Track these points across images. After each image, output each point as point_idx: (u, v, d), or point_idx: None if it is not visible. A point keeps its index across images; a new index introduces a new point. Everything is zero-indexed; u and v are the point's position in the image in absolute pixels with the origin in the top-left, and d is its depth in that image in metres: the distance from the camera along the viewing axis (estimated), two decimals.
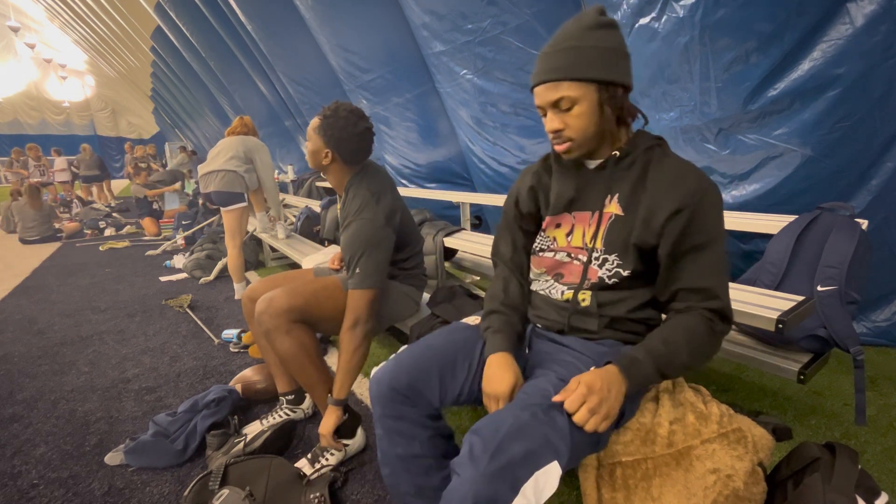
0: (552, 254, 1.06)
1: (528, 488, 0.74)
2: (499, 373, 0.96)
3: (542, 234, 1.09)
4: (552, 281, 1.06)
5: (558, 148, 0.96)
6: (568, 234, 1.04)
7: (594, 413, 0.81)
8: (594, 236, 0.99)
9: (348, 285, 1.47)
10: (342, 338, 1.44)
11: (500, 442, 0.76)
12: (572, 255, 1.02)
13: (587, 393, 0.82)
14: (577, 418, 0.81)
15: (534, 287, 1.11)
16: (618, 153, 0.97)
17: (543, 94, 0.93)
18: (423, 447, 1.02)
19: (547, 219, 1.09)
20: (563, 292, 1.03)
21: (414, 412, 1.01)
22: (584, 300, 1.00)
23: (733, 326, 1.62)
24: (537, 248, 1.09)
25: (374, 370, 1.05)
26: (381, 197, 1.54)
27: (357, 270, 1.45)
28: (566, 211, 1.05)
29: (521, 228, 1.15)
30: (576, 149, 0.95)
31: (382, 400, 1.01)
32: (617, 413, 0.84)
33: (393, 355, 1.06)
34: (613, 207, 0.98)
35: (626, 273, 0.96)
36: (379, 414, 1.02)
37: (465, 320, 1.18)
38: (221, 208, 3.16)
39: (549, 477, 0.77)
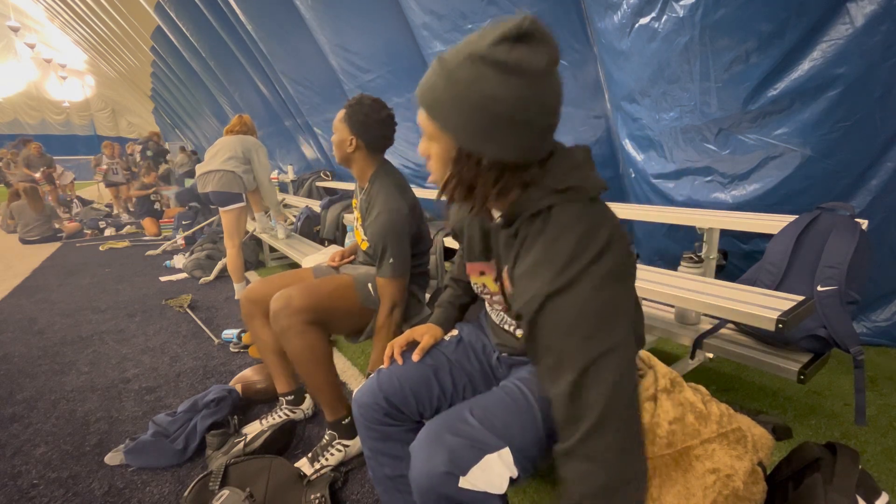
0: (489, 296, 1.01)
1: (476, 470, 0.76)
2: (419, 329, 1.09)
3: (471, 280, 1.03)
4: (502, 314, 1.01)
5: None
6: (496, 280, 0.94)
7: None
8: (507, 300, 0.91)
9: (382, 274, 1.54)
10: (382, 324, 1.55)
11: (450, 426, 0.80)
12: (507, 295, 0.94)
13: None
14: None
15: (489, 312, 1.08)
16: (500, 218, 0.82)
17: (421, 112, 0.74)
18: None
19: (468, 265, 1.02)
20: (515, 329, 1.00)
21: (398, 431, 1.00)
22: None
23: (732, 326, 1.62)
24: (475, 293, 1.06)
25: (355, 392, 1.04)
26: (404, 190, 1.61)
27: (391, 260, 1.51)
28: (483, 259, 0.96)
29: None
30: (439, 187, 0.79)
31: (366, 421, 1.00)
32: None
33: (371, 375, 1.05)
34: (507, 282, 0.86)
35: None
36: (364, 436, 1.02)
37: None
38: (219, 208, 3.16)
39: (501, 460, 0.78)
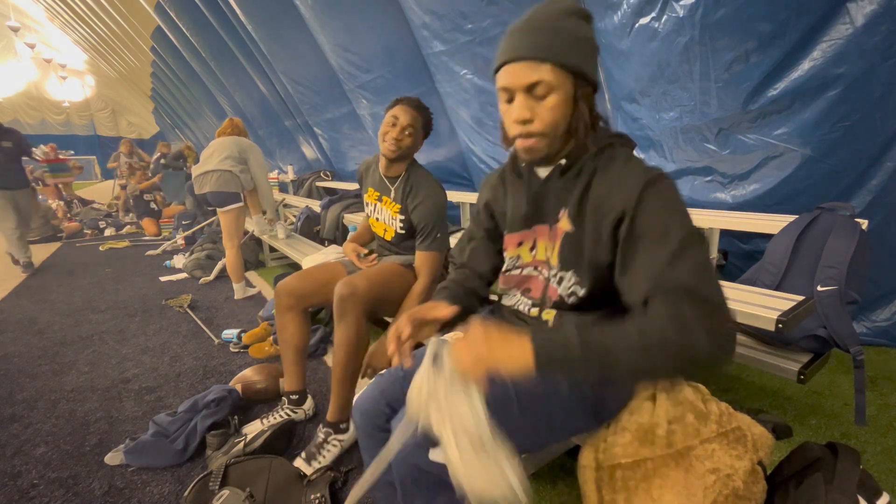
0: (519, 270, 1.02)
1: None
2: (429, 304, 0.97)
3: (506, 254, 1.05)
4: (520, 296, 1.03)
5: (523, 144, 0.85)
6: (532, 249, 0.99)
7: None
8: (552, 252, 0.93)
9: (428, 248, 1.67)
10: (420, 291, 1.65)
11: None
12: (538, 269, 0.98)
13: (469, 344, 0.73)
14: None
15: (504, 301, 1.08)
16: (563, 161, 0.88)
17: (519, 74, 0.80)
18: None
19: (506, 237, 1.04)
20: (529, 308, 1.00)
21: None
22: (548, 320, 0.96)
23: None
24: (505, 269, 1.06)
25: (356, 399, 1.04)
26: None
27: (438, 235, 1.66)
28: (524, 227, 0.99)
29: (487, 238, 1.12)
30: (543, 147, 0.84)
31: (368, 428, 1.00)
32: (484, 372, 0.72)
33: (370, 382, 1.05)
34: (564, 223, 0.90)
35: (582, 293, 0.89)
36: (366, 444, 1.01)
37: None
38: (218, 209, 3.16)
39: None
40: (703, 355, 0.67)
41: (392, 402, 0.98)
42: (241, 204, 3.15)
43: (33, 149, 4.96)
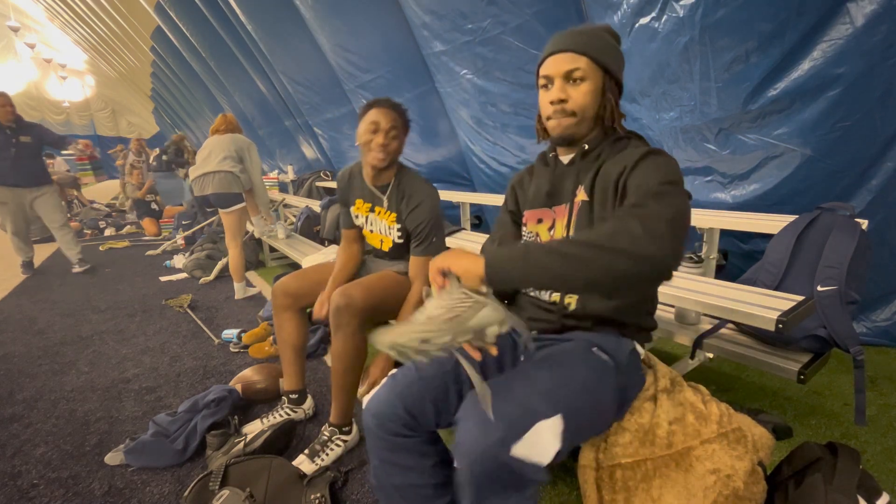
0: None
1: (528, 437, 0.75)
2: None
3: (525, 229, 1.13)
4: None
5: (556, 122, 1.00)
6: (550, 229, 1.08)
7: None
8: (568, 226, 1.03)
9: (424, 253, 1.62)
10: (415, 304, 1.57)
11: (501, 393, 0.79)
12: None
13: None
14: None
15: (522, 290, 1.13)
16: (586, 146, 1.02)
17: (560, 62, 0.97)
18: (422, 476, 0.97)
19: (526, 213, 1.13)
20: (550, 293, 1.05)
21: (412, 442, 0.96)
22: (570, 304, 1.02)
23: (732, 326, 1.62)
24: None
25: (366, 400, 1.00)
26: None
27: (434, 239, 1.61)
28: (545, 206, 1.09)
29: (513, 222, 1.20)
30: (573, 127, 0.99)
31: (381, 431, 0.96)
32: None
33: (383, 381, 1.01)
34: (581, 195, 1.02)
35: None
36: (375, 446, 0.97)
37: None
38: (220, 210, 3.15)
39: (552, 428, 0.77)
40: (637, 245, 0.76)
41: (410, 407, 0.94)
42: (243, 204, 3.14)
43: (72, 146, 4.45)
